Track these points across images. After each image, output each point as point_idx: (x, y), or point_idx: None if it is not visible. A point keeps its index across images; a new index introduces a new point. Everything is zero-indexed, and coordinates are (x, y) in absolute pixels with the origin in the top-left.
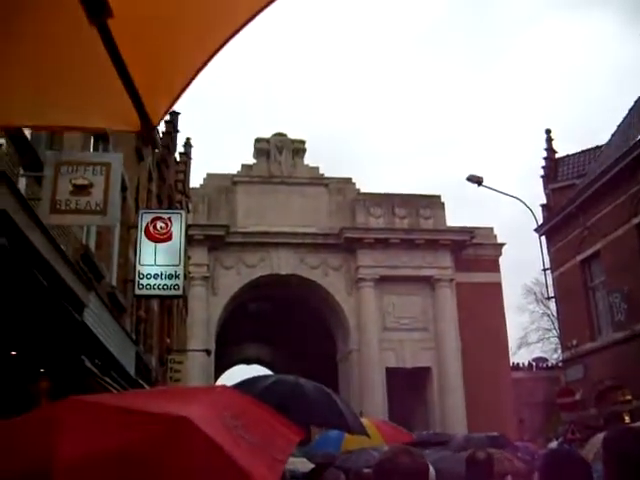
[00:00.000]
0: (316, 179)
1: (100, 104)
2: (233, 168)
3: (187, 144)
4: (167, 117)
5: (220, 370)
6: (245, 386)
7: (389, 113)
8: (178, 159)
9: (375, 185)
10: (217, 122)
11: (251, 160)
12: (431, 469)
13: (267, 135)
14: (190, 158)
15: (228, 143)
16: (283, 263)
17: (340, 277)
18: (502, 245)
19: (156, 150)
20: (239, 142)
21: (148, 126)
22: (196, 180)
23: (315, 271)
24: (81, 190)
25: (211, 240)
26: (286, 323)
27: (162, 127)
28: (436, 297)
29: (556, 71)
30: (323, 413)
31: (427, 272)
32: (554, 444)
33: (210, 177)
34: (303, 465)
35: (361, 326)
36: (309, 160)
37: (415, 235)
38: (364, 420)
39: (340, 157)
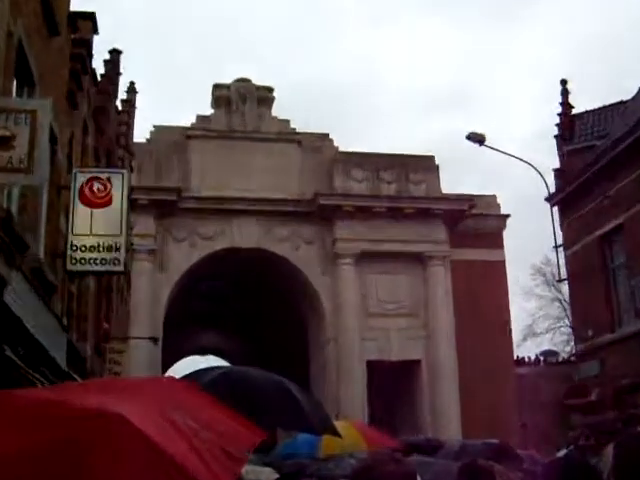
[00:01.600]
0: (286, 134)
1: None
2: (187, 120)
3: (131, 89)
4: (106, 55)
5: (169, 361)
6: (190, 379)
7: (378, 61)
8: (120, 108)
9: (358, 145)
10: (168, 64)
11: (208, 110)
12: (418, 479)
13: (228, 81)
14: (134, 107)
15: (181, 90)
16: (245, 235)
17: (314, 252)
18: (507, 217)
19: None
20: (195, 89)
21: None
22: (142, 134)
23: (284, 245)
24: (0, 143)
25: (159, 206)
26: (249, 307)
27: (100, 68)
28: (428, 277)
29: (577, 15)
30: (276, 412)
31: (417, 247)
32: (563, 452)
33: (159, 130)
34: (267, 476)
35: (338, 311)
36: (278, 112)
37: (404, 203)
38: (341, 422)
39: (316, 112)
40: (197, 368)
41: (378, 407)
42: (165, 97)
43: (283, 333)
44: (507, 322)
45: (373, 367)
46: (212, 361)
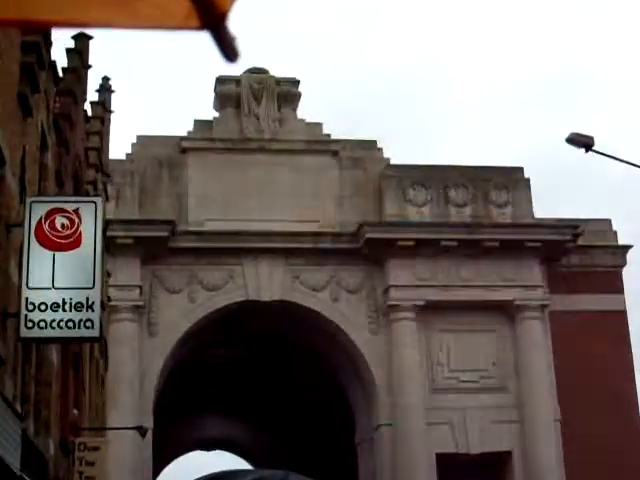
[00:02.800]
0: (318, 143)
1: None
2: (181, 127)
3: (104, 88)
4: (71, 43)
5: (163, 460)
6: None
7: (439, 55)
8: (90, 113)
9: (416, 155)
10: (156, 56)
11: (210, 113)
12: None
13: (236, 73)
14: (110, 111)
15: (174, 89)
16: (265, 282)
17: (359, 305)
18: (627, 249)
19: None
20: (191, 87)
21: (212, 15)
22: (121, 148)
23: (318, 295)
24: None
25: (146, 246)
26: (271, 382)
27: (63, 59)
28: (519, 336)
29: None
30: None
31: (503, 294)
32: None
33: (144, 142)
34: None
35: (395, 385)
36: (306, 114)
37: (483, 233)
38: None
39: (357, 114)
40: (204, 471)
41: None
42: (153, 99)
43: (318, 416)
44: (634, 397)
45: (444, 463)
46: (223, 459)
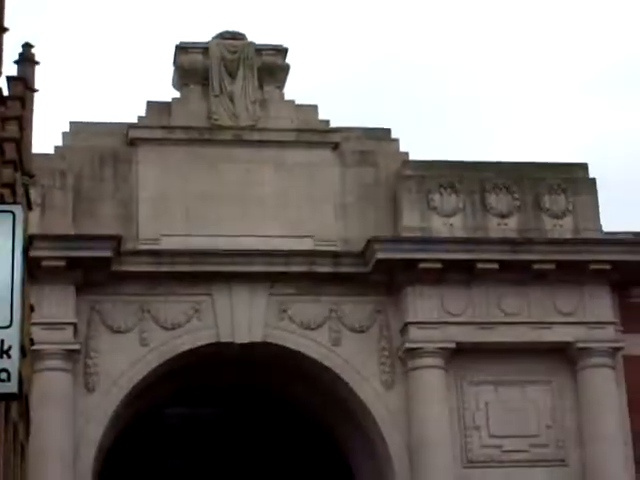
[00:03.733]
0: (313, 132)
1: None
2: (130, 112)
3: (25, 58)
4: None
5: None
6: None
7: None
8: (6, 92)
9: (440, 150)
10: (96, 17)
11: (169, 93)
12: None
13: (204, 38)
14: (33, 89)
15: (120, 62)
16: (242, 319)
17: (368, 348)
18: None
19: None
20: (144, 59)
21: None
22: (49, 139)
23: (313, 335)
24: None
25: (83, 270)
26: (250, 451)
27: None
28: (583, 389)
29: None
30: None
31: (561, 334)
32: None
33: (79, 131)
34: None
35: (416, 456)
36: (296, 94)
37: (534, 252)
38: None
39: (363, 97)
40: None
41: None
42: (96, 76)
43: None
44: None
45: None
46: None
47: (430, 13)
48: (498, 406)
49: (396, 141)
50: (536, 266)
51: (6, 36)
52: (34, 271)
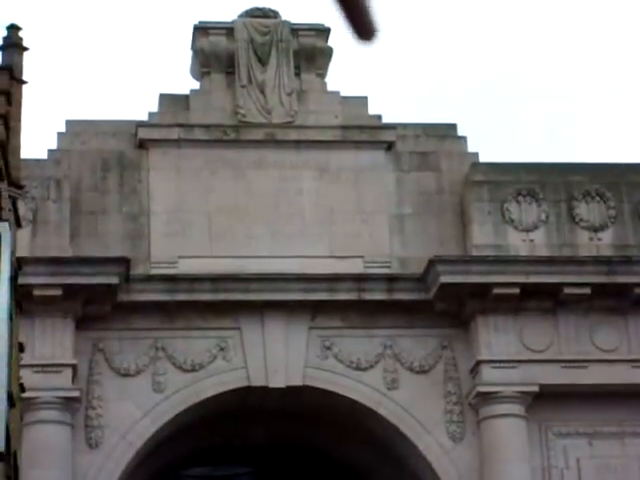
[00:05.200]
0: (363, 128)
1: None
2: (139, 108)
3: (12, 43)
4: None
5: None
6: None
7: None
8: None
9: (515, 150)
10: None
11: (187, 84)
12: None
13: (228, 17)
14: (22, 81)
15: (128, 49)
16: (277, 358)
17: (431, 392)
18: None
19: None
20: (157, 45)
21: None
22: (41, 141)
23: (363, 377)
24: None
25: (83, 300)
26: None
27: None
28: None
29: None
30: None
31: None
32: None
33: (77, 131)
34: None
35: None
36: (341, 84)
37: (634, 275)
38: None
39: (419, 93)
40: None
41: None
42: (97, 66)
43: None
44: None
45: None
46: None
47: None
48: (593, 464)
49: (463, 139)
50: (637, 291)
51: None
52: (24, 302)
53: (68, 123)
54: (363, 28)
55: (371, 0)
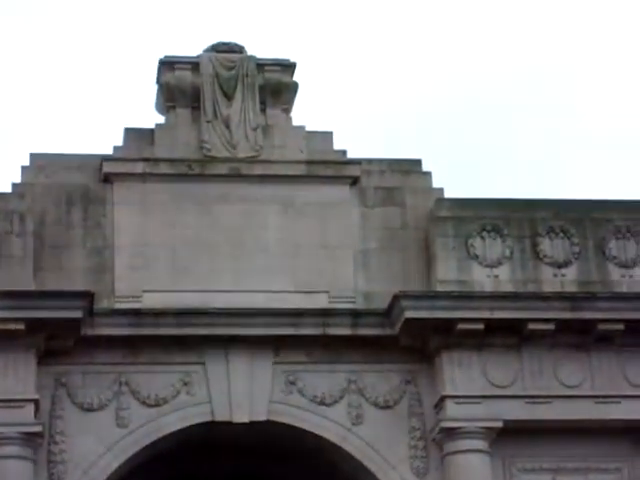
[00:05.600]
0: (328, 163)
1: None
2: (104, 143)
3: None
4: None
5: None
6: None
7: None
8: None
9: (479, 186)
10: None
11: (151, 119)
12: None
13: (193, 51)
14: None
15: (93, 81)
16: (241, 393)
17: (395, 428)
18: None
19: None
20: (122, 78)
21: None
22: (4, 174)
23: (328, 413)
24: None
25: (46, 334)
26: None
27: None
28: None
29: None
30: None
31: (632, 410)
32: None
33: (42, 165)
34: None
35: None
36: (306, 119)
37: (600, 310)
38: None
39: (384, 128)
40: None
41: None
42: (63, 96)
43: None
44: None
45: None
46: None
47: (455, 26)
48: None
49: (428, 175)
50: (601, 327)
51: None
52: None
53: (32, 156)
54: None
55: None
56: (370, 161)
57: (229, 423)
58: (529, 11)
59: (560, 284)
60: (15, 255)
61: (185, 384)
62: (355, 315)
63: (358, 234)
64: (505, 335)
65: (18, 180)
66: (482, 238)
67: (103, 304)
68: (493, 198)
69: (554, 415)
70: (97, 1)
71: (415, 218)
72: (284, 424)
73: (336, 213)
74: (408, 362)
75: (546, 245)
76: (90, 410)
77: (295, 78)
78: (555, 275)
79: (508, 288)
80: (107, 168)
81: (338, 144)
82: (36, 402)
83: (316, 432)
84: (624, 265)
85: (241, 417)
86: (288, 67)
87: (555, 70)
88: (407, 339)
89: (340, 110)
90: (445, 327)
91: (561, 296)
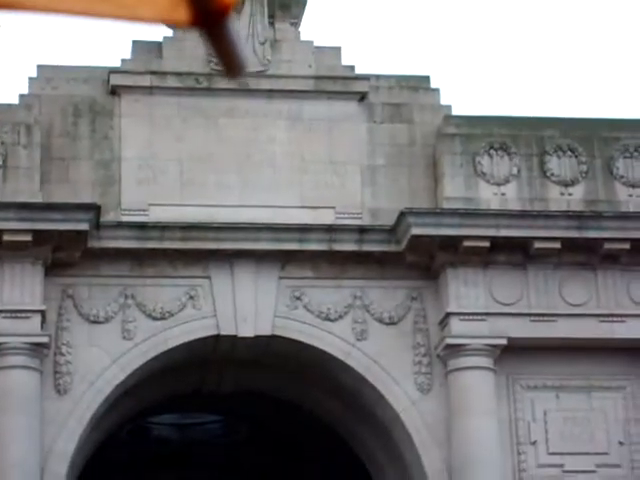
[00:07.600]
0: (335, 79)
1: None
2: (111, 55)
3: None
4: None
5: None
6: None
7: None
8: None
9: (488, 103)
10: None
11: (159, 31)
12: None
13: None
14: None
15: None
16: (246, 307)
17: (399, 344)
18: None
19: None
20: None
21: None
22: (11, 86)
23: (333, 328)
24: None
25: (53, 246)
26: (258, 470)
27: None
28: None
29: None
30: None
31: (636, 329)
32: None
33: (49, 76)
34: None
35: (460, 479)
36: (315, 34)
37: (606, 229)
38: None
39: (395, 39)
40: None
41: None
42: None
43: None
44: None
45: None
46: None
47: None
48: (559, 416)
49: (436, 91)
50: (607, 246)
51: None
52: None
53: (39, 68)
54: (231, 64)
55: (239, 36)
56: (378, 77)
57: (234, 337)
58: None
59: (567, 203)
60: (22, 167)
61: (191, 298)
62: (361, 231)
63: (365, 150)
64: (511, 253)
65: (25, 92)
66: (489, 156)
67: (110, 217)
68: (501, 116)
69: (558, 333)
70: None
71: (423, 135)
72: (288, 339)
73: (344, 129)
74: (413, 279)
75: (554, 163)
76: (96, 322)
77: None
78: (562, 194)
79: (515, 206)
80: (114, 80)
81: (346, 59)
82: (43, 313)
83: (320, 347)
84: (631, 184)
85: (246, 331)
86: None
87: None
88: (413, 256)
89: (349, 25)
90: (451, 244)
91: (567, 215)
